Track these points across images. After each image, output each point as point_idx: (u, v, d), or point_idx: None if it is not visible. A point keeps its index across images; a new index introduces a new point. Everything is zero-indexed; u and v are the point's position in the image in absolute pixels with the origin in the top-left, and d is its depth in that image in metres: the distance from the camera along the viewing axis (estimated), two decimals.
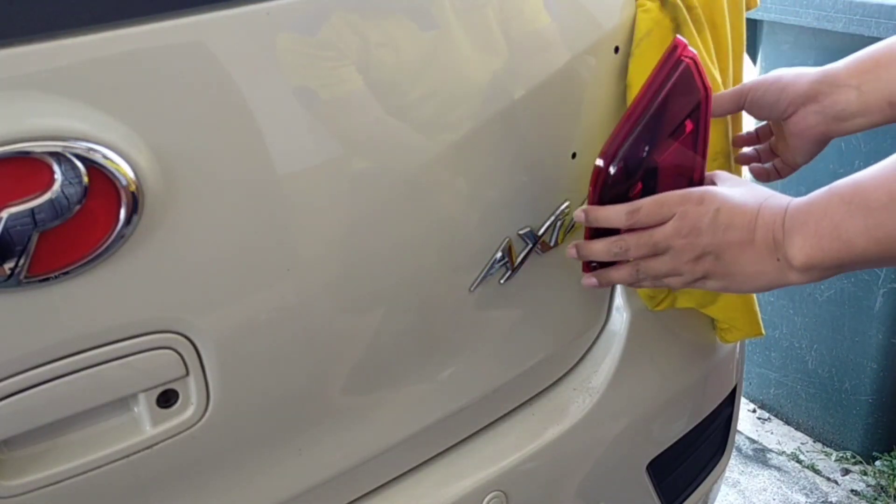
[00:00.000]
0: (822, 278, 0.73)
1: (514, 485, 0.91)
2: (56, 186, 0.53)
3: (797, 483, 2.01)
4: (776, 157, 0.98)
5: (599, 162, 0.82)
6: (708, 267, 0.77)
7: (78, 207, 0.54)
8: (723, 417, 1.17)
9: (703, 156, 0.85)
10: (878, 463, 2.03)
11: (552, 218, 0.86)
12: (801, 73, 0.89)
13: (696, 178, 0.85)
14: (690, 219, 0.75)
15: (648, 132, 0.81)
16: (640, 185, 0.83)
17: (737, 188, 0.79)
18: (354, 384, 0.79)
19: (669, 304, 1.03)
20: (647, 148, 0.82)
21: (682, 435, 1.08)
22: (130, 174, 0.56)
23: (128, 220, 0.57)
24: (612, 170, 0.81)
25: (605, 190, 0.82)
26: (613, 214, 0.80)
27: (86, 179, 0.54)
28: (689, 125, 0.83)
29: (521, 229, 0.84)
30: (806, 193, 0.73)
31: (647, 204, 0.78)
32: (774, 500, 1.97)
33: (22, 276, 0.54)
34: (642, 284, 0.83)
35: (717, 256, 0.76)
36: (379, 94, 0.69)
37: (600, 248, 0.81)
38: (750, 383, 2.26)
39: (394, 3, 0.70)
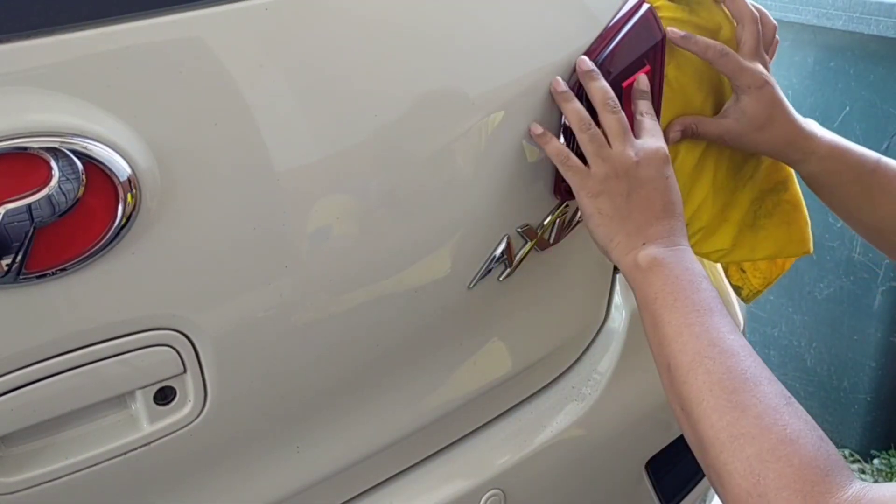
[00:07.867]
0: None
1: (512, 483, 0.91)
2: (53, 182, 0.53)
3: None
4: None
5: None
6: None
7: (75, 203, 0.54)
8: None
9: (659, 97, 0.88)
10: (876, 461, 2.03)
11: (551, 215, 0.86)
12: (792, 117, 0.91)
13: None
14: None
15: (606, 67, 0.83)
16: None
17: None
18: (352, 382, 0.79)
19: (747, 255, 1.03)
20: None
21: (681, 433, 1.08)
22: (128, 170, 0.56)
23: (125, 217, 0.57)
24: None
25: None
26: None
27: (83, 175, 0.54)
28: (646, 66, 0.85)
29: (520, 227, 0.84)
30: None
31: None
32: None
33: (19, 273, 0.54)
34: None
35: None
36: (379, 91, 0.69)
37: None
38: None
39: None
